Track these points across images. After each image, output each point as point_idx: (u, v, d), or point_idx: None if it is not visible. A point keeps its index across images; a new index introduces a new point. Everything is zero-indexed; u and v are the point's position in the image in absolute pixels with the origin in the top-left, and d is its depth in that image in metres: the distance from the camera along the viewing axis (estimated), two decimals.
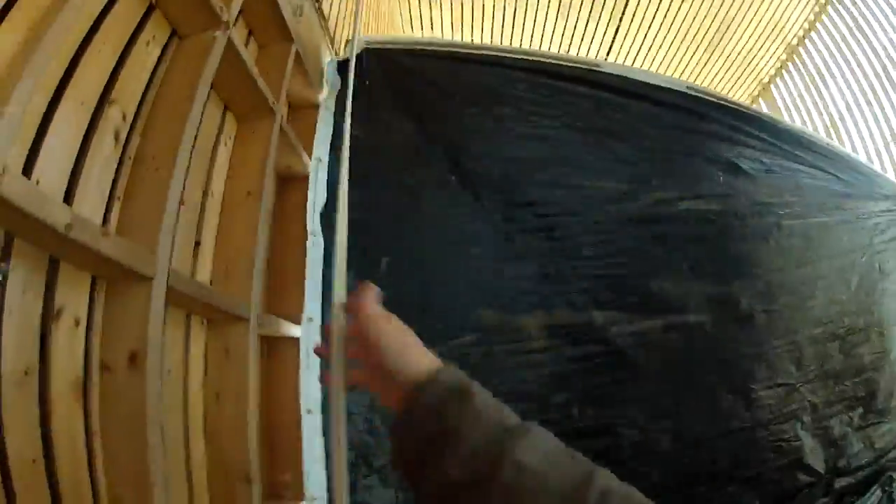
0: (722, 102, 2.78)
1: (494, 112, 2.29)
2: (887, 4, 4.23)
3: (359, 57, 2.06)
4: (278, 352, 1.79)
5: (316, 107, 2.13)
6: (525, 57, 2.48)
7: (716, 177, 2.59)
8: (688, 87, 2.71)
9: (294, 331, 1.83)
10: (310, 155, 2.09)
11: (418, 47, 2.33)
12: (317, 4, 1.99)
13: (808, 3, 5.00)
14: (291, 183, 2.05)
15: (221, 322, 1.48)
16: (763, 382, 2.52)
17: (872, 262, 3.14)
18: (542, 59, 2.49)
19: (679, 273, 2.37)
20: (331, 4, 2.15)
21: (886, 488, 3.30)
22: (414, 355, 0.61)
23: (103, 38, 1.06)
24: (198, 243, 1.49)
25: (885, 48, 4.35)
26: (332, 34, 2.17)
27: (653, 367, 2.22)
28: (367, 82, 2.09)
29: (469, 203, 2.13)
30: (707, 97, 2.73)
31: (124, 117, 1.16)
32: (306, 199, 2.10)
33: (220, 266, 1.57)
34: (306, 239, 2.00)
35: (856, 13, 4.64)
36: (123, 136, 1.15)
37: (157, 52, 1.27)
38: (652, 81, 2.61)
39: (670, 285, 2.33)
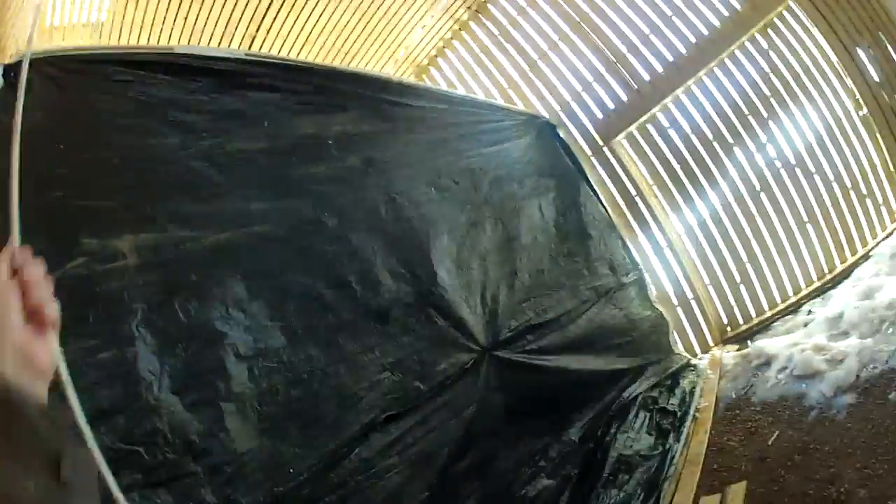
0: (277, 61, 3.13)
1: (113, 97, 2.43)
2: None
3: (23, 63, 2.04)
4: None
5: None
6: (131, 51, 2.76)
7: (263, 119, 2.89)
8: (246, 54, 3.15)
9: None
10: None
11: (69, 52, 2.43)
12: None
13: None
14: None
15: None
16: (353, 284, 2.79)
17: (471, 166, 3.72)
18: (138, 52, 2.77)
19: (246, 193, 2.67)
20: None
21: (651, 406, 3.92)
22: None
23: None
24: None
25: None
26: None
27: (236, 273, 2.47)
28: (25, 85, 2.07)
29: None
30: (267, 59, 3.12)
31: None
32: None
33: None
34: None
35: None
36: None
37: None
38: (213, 54, 2.90)
39: (241, 203, 2.64)
